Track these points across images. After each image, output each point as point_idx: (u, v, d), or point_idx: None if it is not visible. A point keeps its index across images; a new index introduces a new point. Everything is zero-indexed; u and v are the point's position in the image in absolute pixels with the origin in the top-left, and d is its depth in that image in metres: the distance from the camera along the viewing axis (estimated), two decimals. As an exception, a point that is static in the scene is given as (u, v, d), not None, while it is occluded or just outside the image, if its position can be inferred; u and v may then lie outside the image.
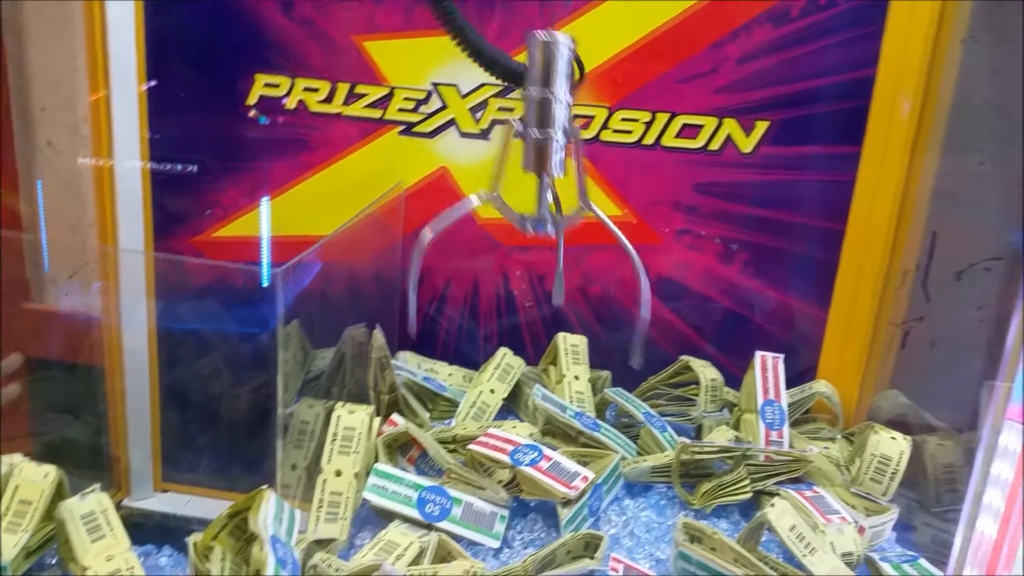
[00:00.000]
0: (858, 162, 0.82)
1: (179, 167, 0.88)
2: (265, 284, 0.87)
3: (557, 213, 0.67)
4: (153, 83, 0.84)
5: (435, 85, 0.84)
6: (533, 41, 0.62)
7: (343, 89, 0.85)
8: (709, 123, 0.82)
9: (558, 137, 0.63)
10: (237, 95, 0.86)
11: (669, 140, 0.83)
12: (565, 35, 0.62)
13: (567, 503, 0.69)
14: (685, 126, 0.83)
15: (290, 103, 0.86)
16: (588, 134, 0.84)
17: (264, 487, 0.57)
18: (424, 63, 0.84)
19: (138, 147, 0.86)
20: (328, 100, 0.86)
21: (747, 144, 0.82)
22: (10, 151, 0.94)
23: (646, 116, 0.83)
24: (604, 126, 0.83)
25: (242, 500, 0.57)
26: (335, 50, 0.84)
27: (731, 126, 0.82)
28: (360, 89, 0.85)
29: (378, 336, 0.80)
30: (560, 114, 0.63)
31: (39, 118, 0.95)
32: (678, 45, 0.81)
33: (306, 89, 0.85)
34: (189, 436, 0.91)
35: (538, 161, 0.64)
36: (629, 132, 0.83)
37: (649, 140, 0.83)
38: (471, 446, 0.72)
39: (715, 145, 0.83)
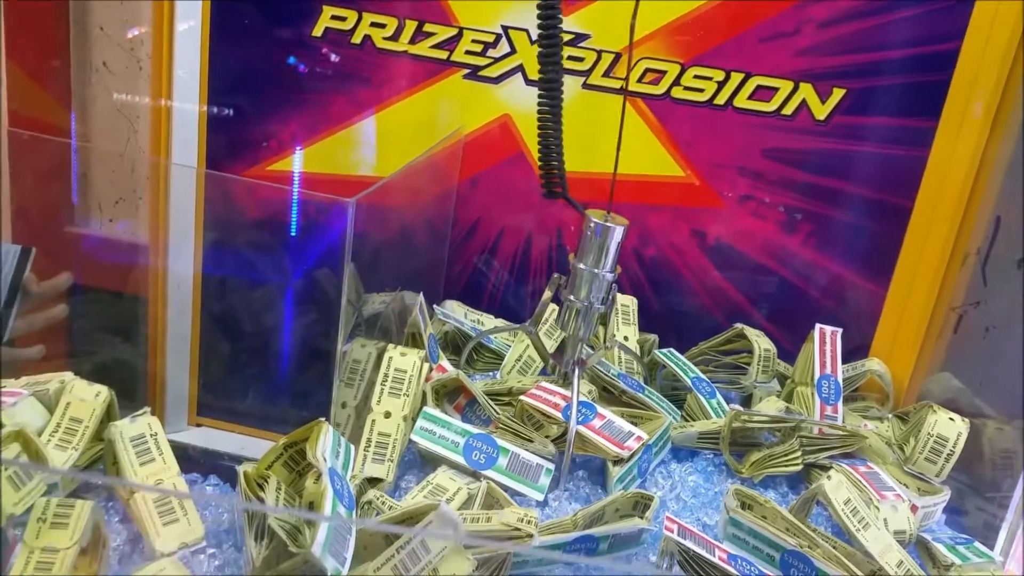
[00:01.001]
0: (933, 138, 0.79)
1: (228, 112, 0.86)
2: (293, 233, 0.87)
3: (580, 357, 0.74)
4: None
5: (505, 28, 0.82)
6: (590, 222, 0.68)
7: (411, 27, 0.83)
8: (785, 86, 0.80)
9: (598, 306, 0.70)
10: (303, 27, 0.84)
11: (742, 101, 0.81)
12: (621, 223, 0.68)
13: (618, 462, 0.68)
14: (759, 88, 0.80)
15: (356, 38, 0.84)
16: (658, 90, 0.82)
17: (321, 419, 0.56)
18: (496, 5, 0.82)
19: (197, 75, 0.85)
20: (394, 37, 0.83)
21: (822, 111, 0.80)
22: (65, 69, 0.93)
23: (720, 75, 0.80)
24: (676, 82, 0.81)
25: (299, 431, 0.56)
26: (406, -16, 0.82)
27: (807, 91, 0.80)
28: (428, 28, 0.83)
29: (416, 310, 0.78)
30: (603, 290, 0.70)
31: (97, 36, 0.93)
32: (759, 3, 0.78)
33: (373, 24, 0.83)
34: (229, 371, 0.90)
35: (575, 324, 0.71)
36: (701, 91, 0.81)
37: (721, 100, 0.81)
38: (523, 398, 0.71)
39: (788, 110, 0.80)
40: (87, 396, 0.62)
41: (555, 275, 0.73)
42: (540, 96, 0.65)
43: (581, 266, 0.69)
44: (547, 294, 0.74)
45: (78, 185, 0.97)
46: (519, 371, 0.82)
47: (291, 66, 0.86)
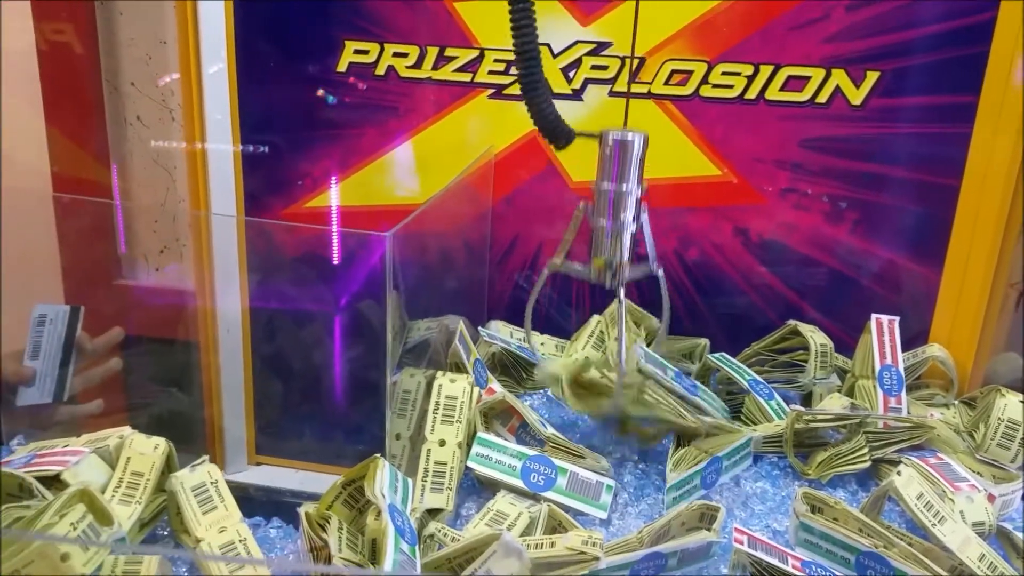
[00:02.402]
0: (975, 113, 0.77)
1: (263, 148, 0.87)
2: (335, 265, 0.87)
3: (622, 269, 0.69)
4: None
5: (527, 45, 0.82)
6: (607, 139, 0.65)
7: (432, 53, 0.83)
8: (816, 75, 0.78)
9: (628, 226, 0.66)
10: (327, 63, 0.85)
11: (773, 94, 0.79)
12: (639, 133, 0.64)
13: (675, 469, 0.67)
14: (790, 78, 0.79)
15: (379, 69, 0.84)
16: (686, 91, 0.81)
17: (377, 455, 0.56)
18: (516, 22, 0.81)
19: (229, 120, 0.86)
20: (417, 65, 0.84)
21: (857, 96, 0.78)
22: (101, 124, 0.95)
23: (748, 69, 0.79)
24: (704, 81, 0.80)
25: (355, 469, 0.56)
26: (425, 13, 0.83)
27: (840, 77, 0.78)
28: (450, 52, 0.83)
29: (455, 340, 0.76)
30: (631, 206, 0.65)
31: (128, 92, 0.95)
32: (783, -7, 0.77)
33: (395, 54, 0.84)
34: (284, 410, 0.91)
35: (609, 248, 0.67)
36: (731, 87, 0.80)
37: (751, 95, 0.80)
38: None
39: (822, 98, 0.79)
40: (146, 449, 0.63)
41: (580, 204, 0.69)
42: (517, 62, 0.62)
43: (605, 186, 0.65)
44: (570, 231, 0.70)
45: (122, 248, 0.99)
46: (570, 386, 0.81)
47: (319, 103, 0.86)
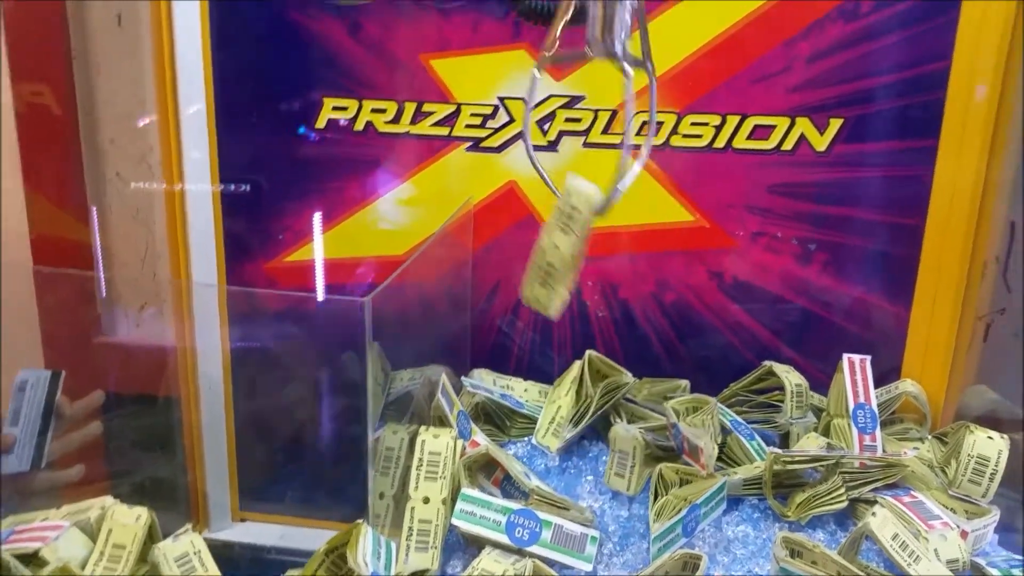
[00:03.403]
0: (935, 156, 0.79)
1: (244, 187, 0.88)
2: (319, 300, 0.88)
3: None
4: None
5: (501, 99, 0.84)
6: None
7: (410, 108, 0.85)
8: (781, 123, 0.80)
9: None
10: (306, 119, 0.87)
11: (741, 142, 0.81)
12: None
13: (658, 518, 0.68)
14: (757, 127, 0.81)
15: (358, 125, 0.86)
16: (657, 140, 0.83)
17: (360, 521, 0.56)
18: (490, 78, 0.83)
19: (208, 175, 0.87)
20: (395, 120, 0.85)
21: (821, 143, 0.80)
22: (80, 183, 0.96)
23: (716, 119, 0.81)
24: (673, 131, 0.82)
25: (339, 536, 0.57)
26: (402, 70, 0.84)
27: (804, 125, 0.80)
28: (427, 107, 0.85)
29: (438, 393, 0.76)
30: None
31: (107, 149, 0.96)
32: (747, 46, 0.79)
33: (373, 110, 0.85)
34: (268, 465, 0.91)
35: (604, 26, 0.59)
36: (699, 136, 0.82)
37: (720, 143, 0.82)
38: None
39: (788, 145, 0.81)
40: (128, 520, 0.63)
41: None
42: None
43: None
44: (559, 19, 0.61)
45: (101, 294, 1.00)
46: (553, 434, 0.82)
47: (299, 159, 0.88)
